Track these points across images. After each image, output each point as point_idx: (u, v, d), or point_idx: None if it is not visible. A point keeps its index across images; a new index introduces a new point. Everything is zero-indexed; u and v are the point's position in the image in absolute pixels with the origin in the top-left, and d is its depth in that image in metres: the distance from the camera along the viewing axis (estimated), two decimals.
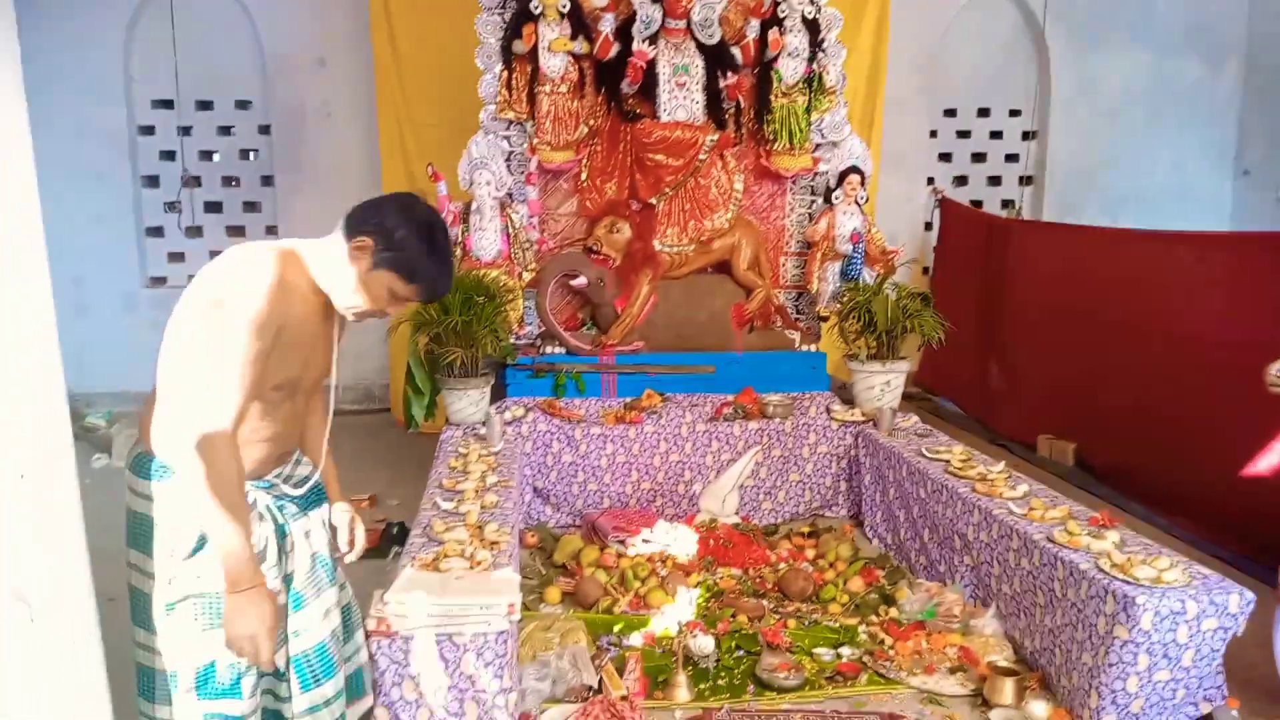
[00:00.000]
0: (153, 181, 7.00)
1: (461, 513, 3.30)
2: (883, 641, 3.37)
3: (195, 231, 7.01)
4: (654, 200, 5.07)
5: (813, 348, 5.21)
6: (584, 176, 5.15)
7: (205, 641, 1.82)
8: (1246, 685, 2.86)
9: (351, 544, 2.18)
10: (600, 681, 2.99)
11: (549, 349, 5.01)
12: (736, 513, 4.63)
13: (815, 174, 5.28)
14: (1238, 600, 2.66)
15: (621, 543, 4.16)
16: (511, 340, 4.85)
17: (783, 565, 4.08)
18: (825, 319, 5.28)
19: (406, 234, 1.88)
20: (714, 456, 4.72)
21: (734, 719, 2.91)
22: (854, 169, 5.05)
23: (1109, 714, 2.70)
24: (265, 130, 7.01)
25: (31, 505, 1.70)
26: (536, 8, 4.75)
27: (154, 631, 1.87)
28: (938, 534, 3.82)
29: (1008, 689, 2.91)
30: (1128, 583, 2.71)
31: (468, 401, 4.56)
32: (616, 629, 3.50)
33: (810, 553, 4.22)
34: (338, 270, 1.91)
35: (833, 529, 4.48)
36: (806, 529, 4.51)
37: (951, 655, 3.20)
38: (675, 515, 4.56)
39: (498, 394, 4.86)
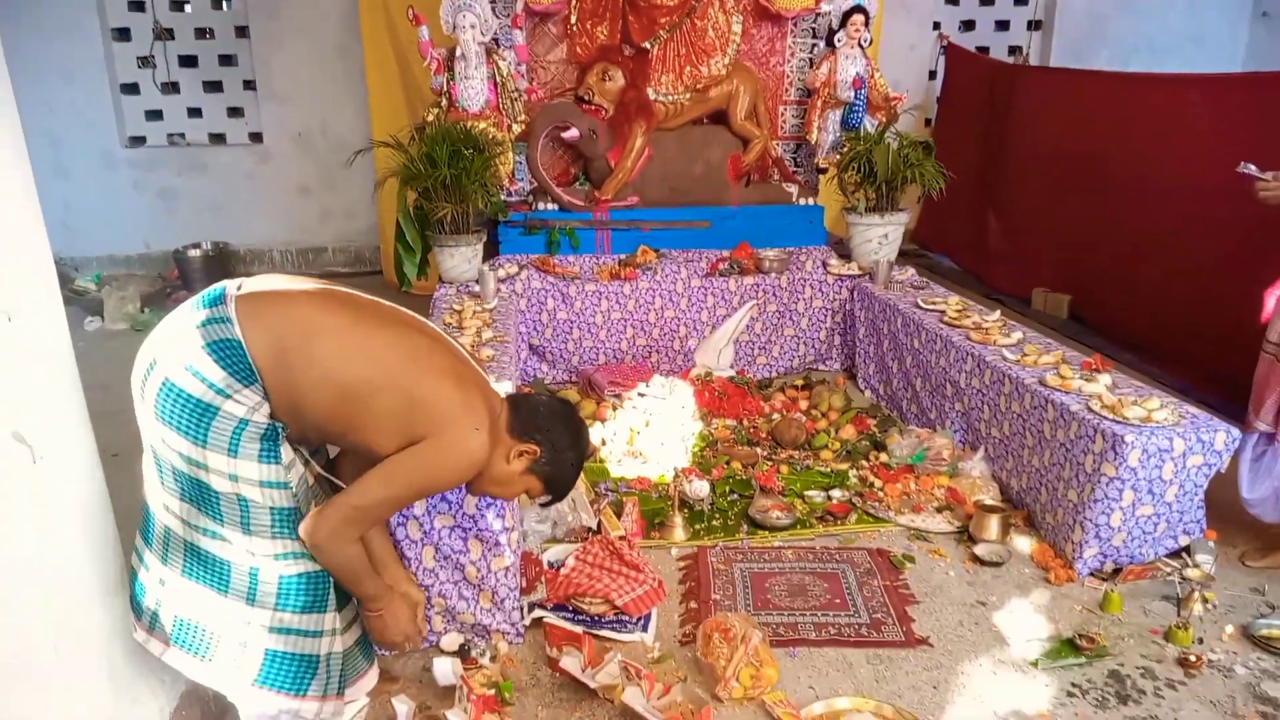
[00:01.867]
0: (123, 34, 6.66)
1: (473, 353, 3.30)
2: (872, 484, 3.46)
3: (171, 88, 6.74)
4: (648, 44, 4.84)
5: (810, 201, 5.11)
6: (573, 20, 4.90)
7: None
8: (1223, 520, 2.95)
9: None
10: (599, 523, 3.08)
11: (541, 205, 4.91)
12: (731, 367, 4.67)
13: (817, 14, 5.03)
14: (1224, 438, 2.71)
15: (618, 396, 4.20)
16: (503, 196, 4.75)
17: (776, 416, 4.14)
18: (824, 171, 5.15)
19: (572, 459, 1.99)
20: (709, 312, 4.71)
21: (728, 556, 3.01)
22: (858, 8, 4.81)
23: (1091, 547, 2.79)
24: None
25: (22, 347, 1.69)
26: None
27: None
28: (930, 383, 3.86)
29: (993, 525, 3.01)
30: (1117, 422, 2.75)
31: (460, 259, 4.50)
32: (614, 479, 3.59)
33: (803, 404, 4.28)
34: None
35: (826, 381, 4.52)
36: (800, 382, 4.55)
37: (939, 496, 3.29)
38: (671, 370, 4.59)
39: (490, 252, 4.80)
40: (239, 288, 1.72)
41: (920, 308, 4.09)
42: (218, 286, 1.74)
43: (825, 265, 4.80)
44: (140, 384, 1.67)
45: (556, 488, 2.01)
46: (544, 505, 2.20)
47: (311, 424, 1.73)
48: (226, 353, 1.63)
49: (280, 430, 1.69)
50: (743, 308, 4.62)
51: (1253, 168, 2.86)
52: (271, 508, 1.68)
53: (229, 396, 1.62)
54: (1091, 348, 4.79)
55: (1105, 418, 2.79)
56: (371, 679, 1.95)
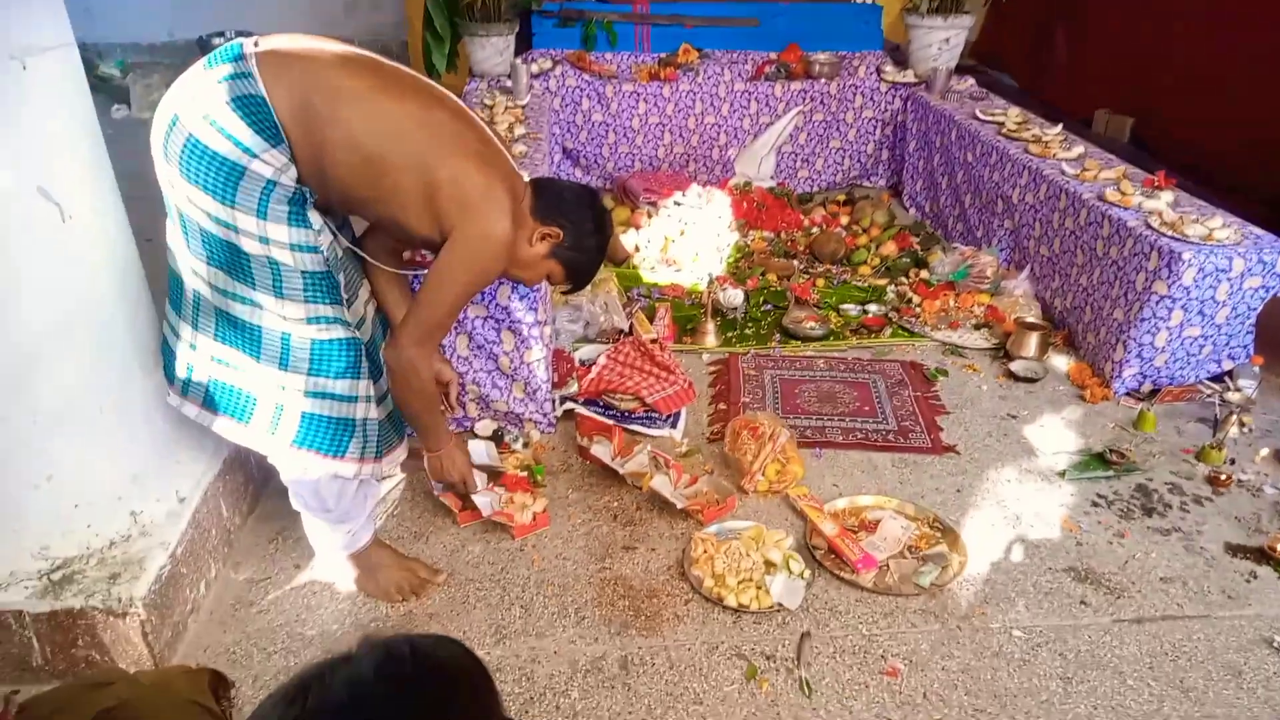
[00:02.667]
0: None
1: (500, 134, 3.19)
2: (910, 300, 3.39)
3: None
4: None
5: (868, 0, 4.75)
6: None
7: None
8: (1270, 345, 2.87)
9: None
10: (631, 326, 3.06)
11: None
12: (772, 178, 4.50)
13: None
14: None
15: (653, 204, 4.09)
16: None
17: (815, 230, 4.03)
18: None
19: (595, 242, 1.94)
20: (752, 119, 4.50)
21: (759, 363, 3.01)
22: None
23: (1131, 366, 2.75)
24: None
25: (42, 99, 1.62)
26: None
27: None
28: (980, 198, 3.71)
29: (1032, 342, 2.95)
30: (1176, 239, 2.63)
31: (491, 50, 4.28)
32: (647, 286, 3.54)
33: (844, 219, 4.14)
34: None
35: (870, 197, 4.36)
36: (842, 197, 4.40)
37: (978, 313, 3.23)
38: (708, 180, 4.44)
39: (523, 45, 4.56)
40: (255, 44, 1.61)
41: (978, 119, 3.87)
42: (234, 43, 1.63)
43: (879, 72, 4.52)
44: (162, 143, 1.60)
45: (578, 273, 1.97)
46: (566, 294, 2.18)
47: (337, 191, 1.68)
48: (252, 109, 1.55)
49: (309, 195, 1.64)
50: (787, 115, 4.40)
51: None
52: (303, 271, 1.65)
53: (256, 156, 1.56)
54: (1151, 171, 4.57)
55: (1164, 234, 2.67)
56: (403, 452, 1.99)
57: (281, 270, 1.64)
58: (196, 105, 1.57)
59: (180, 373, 1.80)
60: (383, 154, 1.66)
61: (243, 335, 1.71)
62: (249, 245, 1.62)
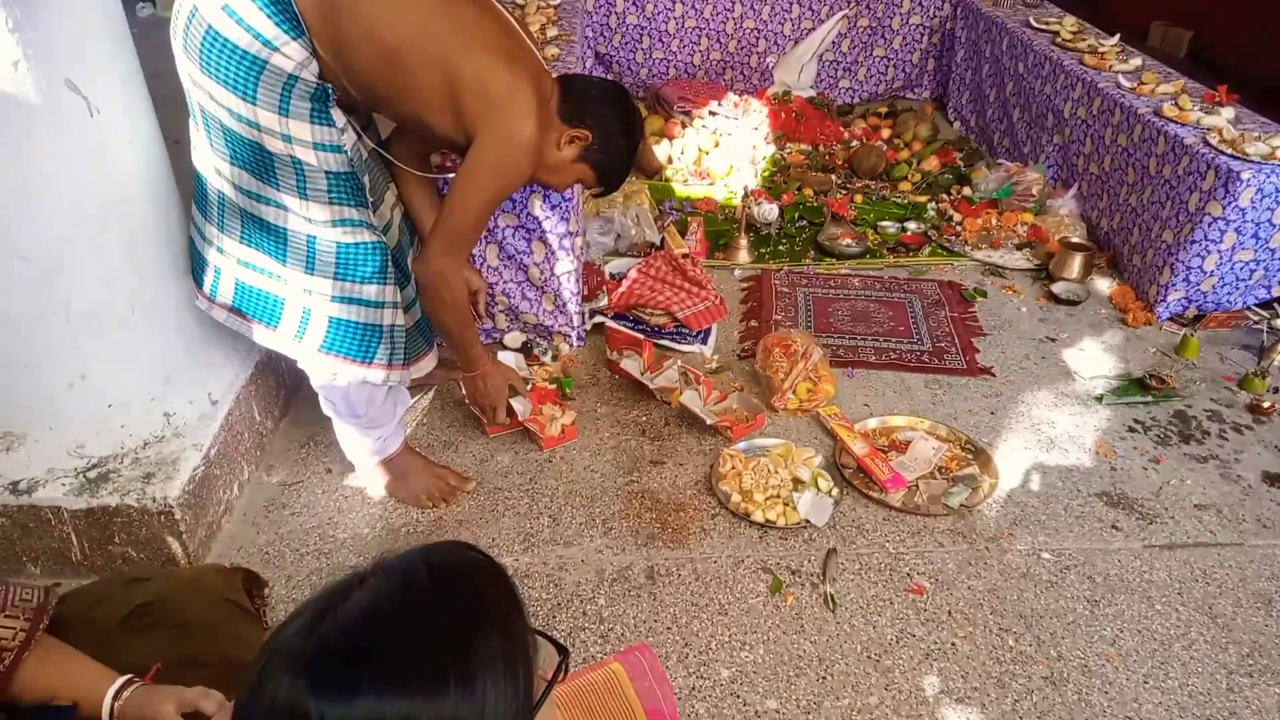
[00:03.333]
0: None
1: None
2: (951, 218, 3.29)
3: None
4: None
5: None
6: None
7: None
8: None
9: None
10: (662, 240, 3.01)
11: None
12: (812, 87, 4.34)
13: None
14: None
15: (687, 114, 3.97)
16: None
17: (855, 143, 3.90)
18: None
19: (625, 144, 1.86)
20: (793, 24, 4.32)
21: (792, 280, 2.95)
22: None
23: (1177, 290, 2.66)
24: None
25: None
26: None
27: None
28: (1029, 112, 3.56)
29: (1075, 263, 2.87)
30: (1235, 158, 2.51)
31: None
32: (679, 199, 3.47)
33: (886, 132, 4.01)
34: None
35: (913, 110, 4.20)
36: (884, 110, 4.24)
37: (1021, 233, 3.13)
38: (746, 89, 4.29)
39: None
40: None
41: (1031, 27, 3.68)
42: None
43: None
44: (182, 36, 1.55)
45: (609, 176, 1.90)
46: (596, 196, 2.11)
47: (360, 88, 1.62)
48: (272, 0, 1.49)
49: (330, 92, 1.59)
50: (831, 19, 4.21)
51: None
52: (327, 172, 1.61)
53: (277, 49, 1.50)
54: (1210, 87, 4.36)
55: (1222, 152, 2.54)
56: (432, 360, 1.98)
57: (306, 170, 1.61)
58: None
59: (208, 276, 1.79)
60: (404, 48, 1.59)
61: (269, 238, 1.69)
62: (272, 144, 1.58)
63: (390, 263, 1.76)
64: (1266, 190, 2.46)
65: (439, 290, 1.80)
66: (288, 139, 1.58)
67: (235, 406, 1.99)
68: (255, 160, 1.61)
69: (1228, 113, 2.81)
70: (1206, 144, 2.61)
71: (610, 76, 4.43)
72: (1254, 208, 2.49)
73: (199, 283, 1.82)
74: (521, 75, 1.68)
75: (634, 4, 4.25)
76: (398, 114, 1.74)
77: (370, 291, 1.74)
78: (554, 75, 1.84)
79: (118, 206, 1.73)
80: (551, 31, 3.49)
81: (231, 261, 1.75)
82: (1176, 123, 2.76)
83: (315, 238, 1.67)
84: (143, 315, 1.81)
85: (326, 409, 1.91)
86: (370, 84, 1.63)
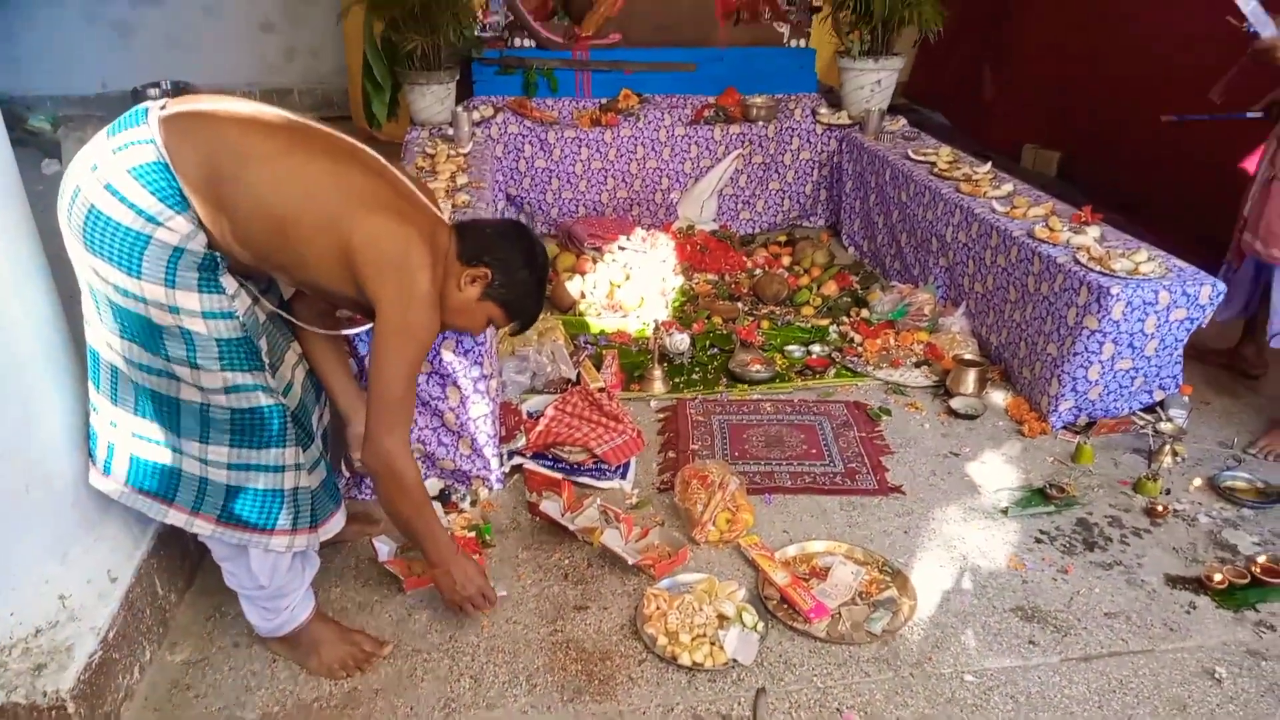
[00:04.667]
0: None
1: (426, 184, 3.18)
2: (852, 340, 3.44)
3: None
4: None
5: (802, 44, 4.87)
6: None
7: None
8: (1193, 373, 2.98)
9: None
10: (578, 375, 3.06)
11: (518, 42, 4.63)
12: (714, 220, 4.56)
13: None
14: (1209, 291, 2.68)
15: (598, 250, 4.11)
16: (476, 31, 4.47)
17: (758, 271, 4.08)
18: (818, 10, 4.87)
19: (528, 276, 1.87)
20: (693, 163, 4.56)
21: (707, 408, 3.02)
22: None
23: (1067, 400, 2.81)
24: None
25: None
26: None
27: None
28: (915, 237, 3.79)
29: (970, 379, 3.01)
30: (1104, 274, 2.71)
31: (432, 99, 4.27)
32: (594, 333, 3.55)
33: (786, 260, 4.21)
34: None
35: (810, 237, 4.43)
36: (783, 238, 4.47)
37: (918, 351, 3.29)
38: (652, 224, 4.48)
39: (464, 92, 4.57)
40: (163, 107, 1.58)
41: (910, 159, 3.97)
42: (140, 107, 1.60)
43: (815, 114, 4.62)
44: (66, 216, 1.56)
45: (518, 311, 1.89)
46: (513, 334, 2.11)
47: (255, 256, 1.62)
48: (153, 176, 1.51)
49: (220, 260, 1.59)
50: (727, 158, 4.46)
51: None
52: (218, 339, 1.60)
53: (160, 224, 1.51)
54: (1078, 205, 4.72)
55: (1092, 270, 2.75)
56: (340, 520, 1.93)
57: (195, 339, 1.60)
58: (98, 174, 1.52)
59: (101, 451, 1.74)
60: (292, 216, 1.60)
61: (162, 410, 1.66)
62: (159, 316, 1.57)
63: (291, 423, 1.74)
64: (1135, 303, 2.66)
65: (394, 473, 1.72)
66: (175, 310, 1.57)
67: (136, 582, 1.91)
68: (144, 333, 1.60)
69: (1094, 231, 3.05)
70: (1077, 262, 2.82)
71: (522, 217, 4.57)
72: (1125, 319, 2.67)
73: (93, 458, 1.76)
74: (413, 229, 1.68)
75: (541, 149, 4.43)
76: (296, 280, 1.74)
77: (270, 456, 1.71)
78: (450, 224, 1.86)
79: (8, 374, 1.67)
80: (462, 179, 3.60)
81: (125, 435, 1.71)
82: (1049, 243, 2.98)
83: (209, 405, 1.65)
84: (38, 490, 1.74)
85: (230, 581, 1.84)
86: (264, 253, 1.63)
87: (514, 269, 1.83)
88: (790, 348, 3.40)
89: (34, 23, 6.23)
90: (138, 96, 6.16)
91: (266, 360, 1.71)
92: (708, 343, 3.44)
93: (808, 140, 4.58)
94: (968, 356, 3.12)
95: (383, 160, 1.79)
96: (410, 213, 1.72)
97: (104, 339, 1.65)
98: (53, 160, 5.34)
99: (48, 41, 6.28)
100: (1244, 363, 3.25)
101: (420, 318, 1.71)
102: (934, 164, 3.86)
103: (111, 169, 1.51)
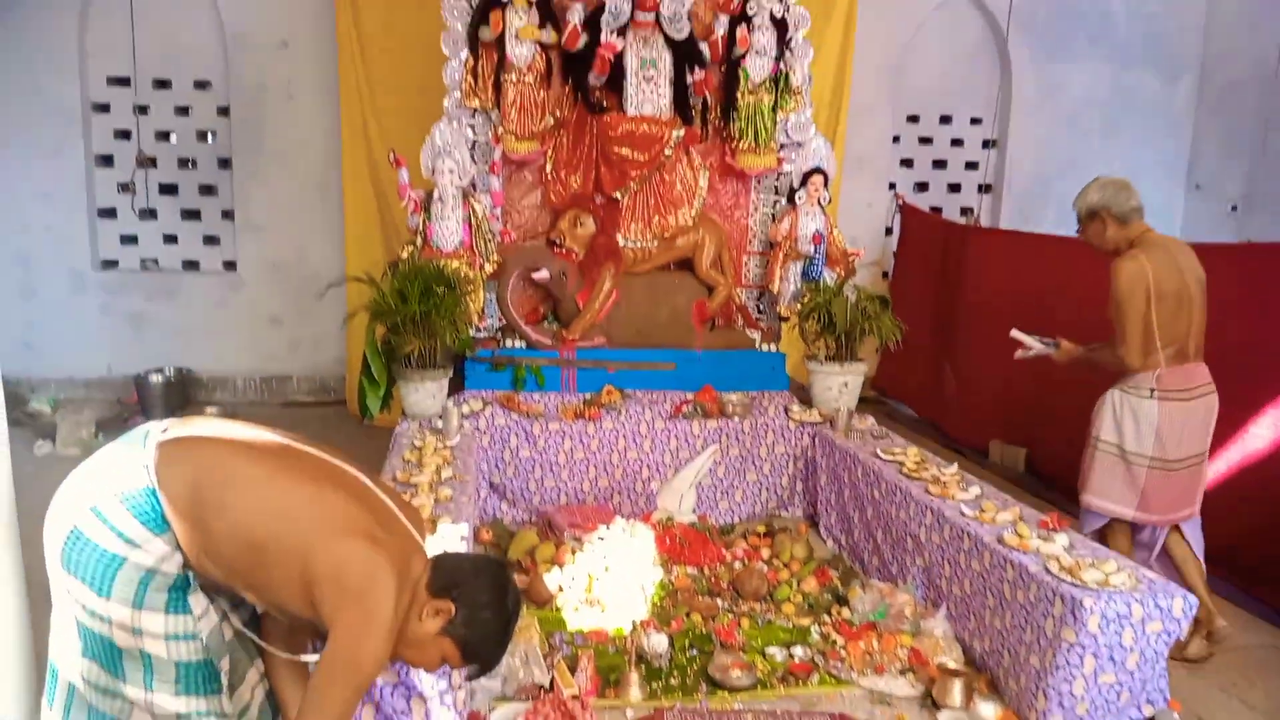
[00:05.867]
0: (106, 161, 6.80)
1: (414, 507, 3.24)
2: (835, 642, 3.38)
3: (149, 214, 6.82)
4: (618, 194, 5.03)
5: (773, 348, 5.23)
6: (549, 168, 5.10)
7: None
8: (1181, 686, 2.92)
9: None
10: (552, 680, 2.96)
11: (509, 342, 4.96)
12: (693, 511, 4.63)
13: (779, 174, 5.29)
14: (1181, 604, 2.71)
15: (577, 539, 4.13)
16: (471, 332, 4.80)
17: (738, 564, 4.09)
18: (786, 319, 5.29)
19: (491, 618, 1.80)
20: (672, 455, 4.71)
21: (685, 719, 2.90)
22: (818, 170, 5.07)
23: (1055, 716, 2.73)
24: (224, 112, 6.84)
25: None
26: None
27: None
28: (890, 535, 3.85)
29: (956, 690, 2.94)
30: (1075, 585, 2.75)
31: (424, 394, 4.49)
32: (570, 631, 3.48)
33: (765, 552, 4.23)
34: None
35: (788, 529, 4.49)
36: (762, 529, 4.52)
37: (902, 656, 3.22)
38: (632, 513, 4.54)
39: (455, 387, 4.81)
40: (164, 430, 1.68)
41: (879, 458, 4.13)
42: (143, 429, 1.70)
43: (787, 411, 4.86)
44: (49, 530, 1.61)
45: (474, 654, 1.79)
46: (469, 679, 2.00)
47: (227, 575, 1.64)
48: (140, 502, 1.57)
49: (191, 580, 1.62)
50: (705, 451, 4.63)
51: (1023, 337, 3.84)
52: (178, 662, 1.59)
53: (138, 546, 1.56)
54: (1049, 502, 4.85)
55: (1064, 580, 2.79)
56: None
57: (154, 663, 1.59)
58: (86, 496, 1.59)
59: None
60: (264, 540, 1.61)
61: None
62: (121, 638, 1.57)
63: None
64: (1110, 615, 2.67)
65: None
66: (137, 632, 1.57)
67: None
68: (105, 653, 1.59)
69: (1062, 539, 3.12)
70: (1049, 572, 2.86)
71: (504, 504, 4.64)
72: (1103, 633, 2.67)
73: None
74: (384, 559, 1.67)
75: (527, 439, 4.59)
76: (264, 602, 1.74)
77: None
78: (430, 555, 1.86)
79: None
80: (446, 473, 3.70)
81: None
82: (1019, 550, 3.04)
83: None
84: None
85: None
86: (235, 572, 1.65)
87: (479, 608, 1.77)
88: (771, 650, 3.33)
89: (53, 314, 6.63)
90: (139, 381, 6.44)
91: (225, 681, 1.68)
92: (687, 642, 3.37)
93: (781, 435, 4.78)
94: (952, 665, 3.07)
95: (367, 481, 1.86)
96: (385, 539, 1.72)
97: (65, 655, 1.63)
98: (46, 441, 5.46)
99: (63, 330, 6.65)
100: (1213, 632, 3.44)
101: (372, 648, 1.64)
102: (903, 464, 4.01)
103: (102, 493, 1.59)
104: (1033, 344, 3.88)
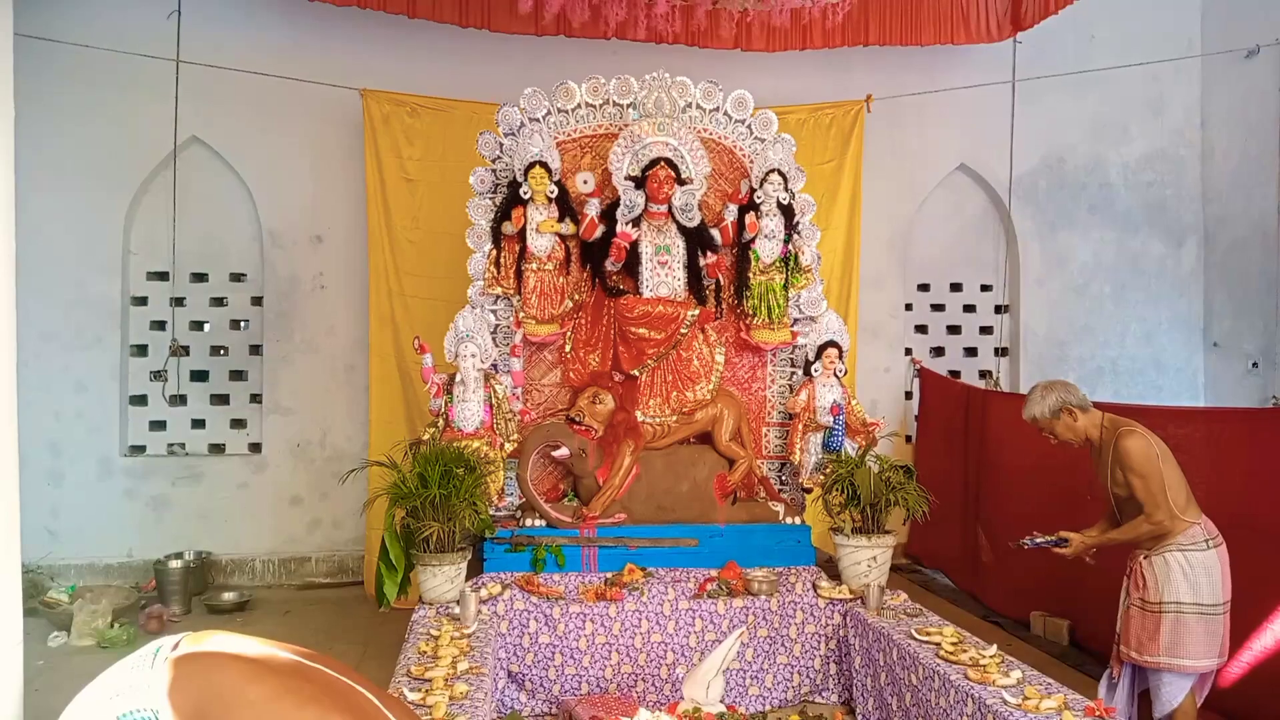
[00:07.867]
0: (141, 350, 7.04)
1: (429, 705, 3.12)
2: None
3: (179, 400, 6.98)
4: (636, 372, 5.12)
5: (797, 520, 5.13)
6: (568, 348, 5.22)
7: None
8: None
9: None
10: None
11: (529, 521, 4.91)
12: (721, 700, 4.39)
13: (794, 347, 5.37)
14: None
15: None
16: (491, 512, 4.76)
17: None
18: (809, 490, 5.22)
19: None
20: (697, 637, 4.54)
21: None
22: (832, 343, 5.15)
23: None
24: (257, 301, 7.15)
25: None
26: (526, 194, 4.97)
27: None
28: None
29: None
30: None
31: (442, 578, 4.41)
32: None
33: None
34: None
35: (824, 717, 4.25)
36: (796, 717, 4.28)
37: None
38: (657, 703, 4.33)
39: (474, 568, 4.73)
40: (175, 647, 1.65)
41: (915, 639, 3.95)
42: (154, 646, 1.67)
43: (815, 587, 4.71)
44: None
45: None
46: None
47: None
48: None
49: None
50: (732, 635, 4.44)
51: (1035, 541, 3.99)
52: None
53: None
54: (1094, 678, 4.58)
55: None
56: None
57: None
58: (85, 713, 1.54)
59: None
60: None
61: None
62: None
63: None
64: None
65: None
66: None
67: None
68: None
69: None
70: None
71: (523, 694, 4.45)
72: None
73: None
74: None
75: (546, 624, 4.45)
76: None
77: None
78: None
79: None
80: (463, 665, 3.58)
81: None
82: None
83: None
84: None
85: None
86: None
87: None
88: None
89: (79, 500, 6.69)
90: (158, 567, 6.40)
91: None
92: None
93: (811, 614, 4.61)
94: None
95: (377, 702, 1.80)
96: None
97: None
98: (61, 633, 5.36)
99: (87, 516, 6.68)
100: None
101: None
102: (939, 645, 3.83)
103: (102, 711, 1.54)
104: (1033, 543, 4.11)
